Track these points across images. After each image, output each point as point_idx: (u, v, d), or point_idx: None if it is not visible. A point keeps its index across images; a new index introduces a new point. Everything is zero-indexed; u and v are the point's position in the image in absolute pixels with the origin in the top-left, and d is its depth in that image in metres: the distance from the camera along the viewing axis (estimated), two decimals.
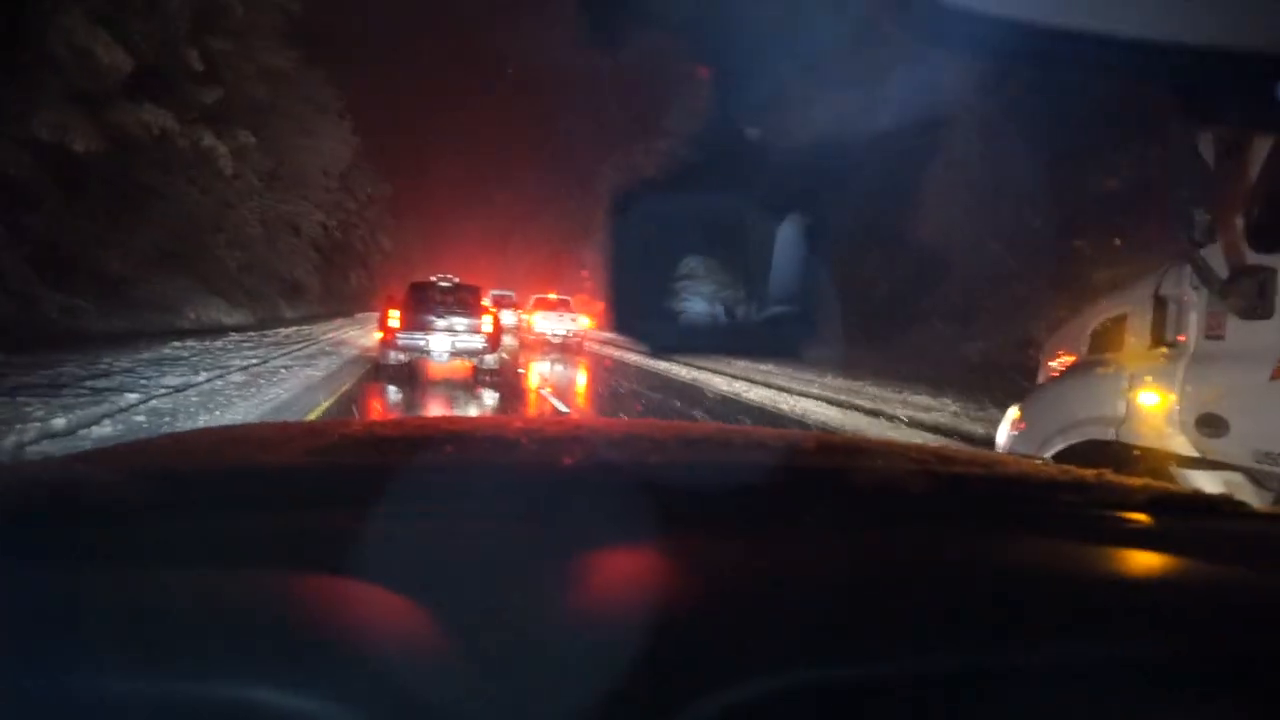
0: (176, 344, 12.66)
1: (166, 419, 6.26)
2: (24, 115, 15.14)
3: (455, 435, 1.33)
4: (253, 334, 17.31)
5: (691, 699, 0.51)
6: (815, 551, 0.75)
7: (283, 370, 9.99)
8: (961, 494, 1.01)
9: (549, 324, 22.00)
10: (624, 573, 0.70)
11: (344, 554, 0.63)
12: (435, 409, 8.83)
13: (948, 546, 0.78)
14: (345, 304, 39.50)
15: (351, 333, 21.32)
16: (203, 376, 8.70)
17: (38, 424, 5.48)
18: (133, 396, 6.96)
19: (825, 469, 1.13)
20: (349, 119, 29.28)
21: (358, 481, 0.90)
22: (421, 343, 10.50)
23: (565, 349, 20.74)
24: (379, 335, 11.09)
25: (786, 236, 0.77)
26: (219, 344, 13.50)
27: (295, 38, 23.81)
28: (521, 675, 0.52)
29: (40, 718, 0.46)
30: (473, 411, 8.64)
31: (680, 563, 0.70)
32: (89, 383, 7.75)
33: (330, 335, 18.41)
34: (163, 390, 7.52)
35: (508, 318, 23.22)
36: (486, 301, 12.07)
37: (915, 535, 0.81)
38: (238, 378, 8.99)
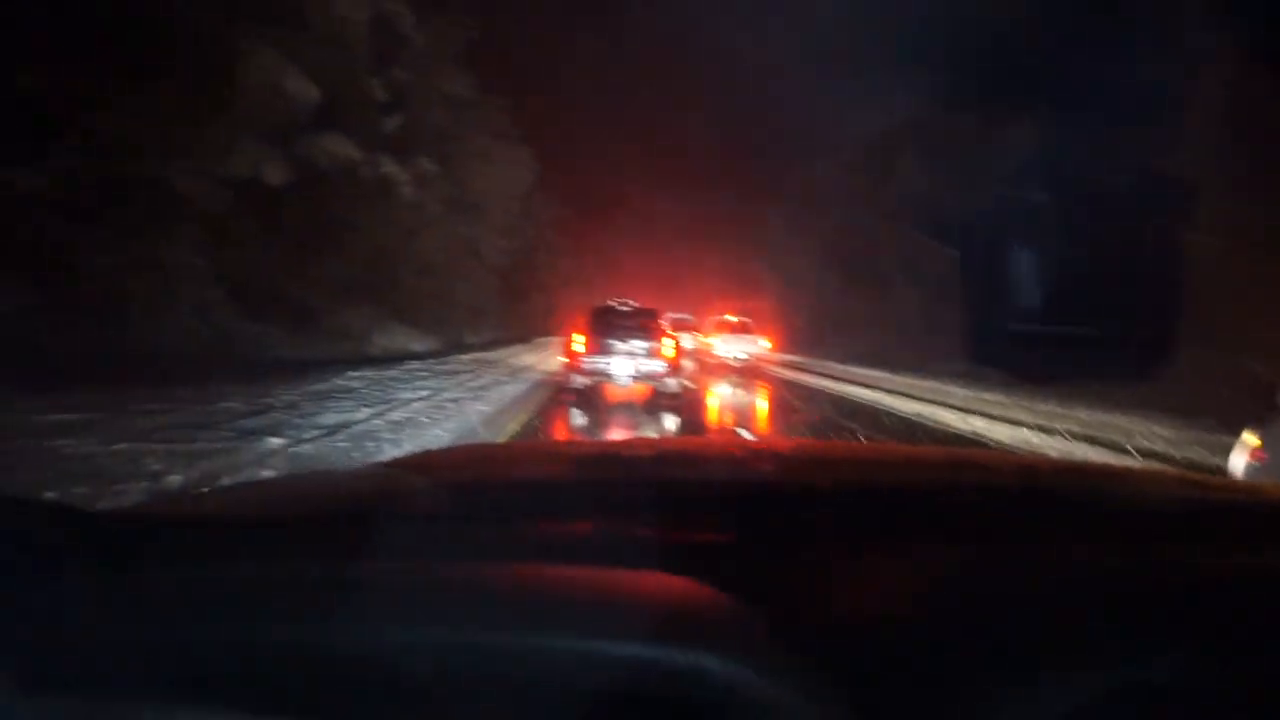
0: (352, 374, 12.11)
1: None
2: (225, 152, 15.47)
3: (684, 455, 1.56)
4: (432, 361, 16.87)
5: (1059, 688, 0.57)
6: (1081, 561, 0.81)
7: (449, 405, 8.98)
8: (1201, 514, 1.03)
9: (729, 347, 21.18)
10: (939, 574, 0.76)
11: (641, 552, 0.73)
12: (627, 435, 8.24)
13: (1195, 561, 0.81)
14: (524, 328, 39.78)
15: (527, 359, 20.68)
16: (363, 414, 7.76)
17: (146, 482, 4.49)
18: (276, 442, 5.99)
19: (1043, 488, 1.22)
20: (529, 144, 29.22)
21: (625, 492, 1.08)
22: (605, 366, 10.50)
23: (746, 373, 19.65)
24: (563, 360, 11.15)
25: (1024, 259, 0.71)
26: (394, 373, 12.90)
27: (475, 64, 23.82)
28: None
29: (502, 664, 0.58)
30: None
31: (986, 568, 0.77)
32: (241, 422, 6.94)
33: (506, 361, 17.70)
34: (314, 432, 6.55)
35: (686, 341, 22.64)
36: (665, 325, 11.90)
37: (1162, 550, 0.85)
38: (398, 415, 7.99)
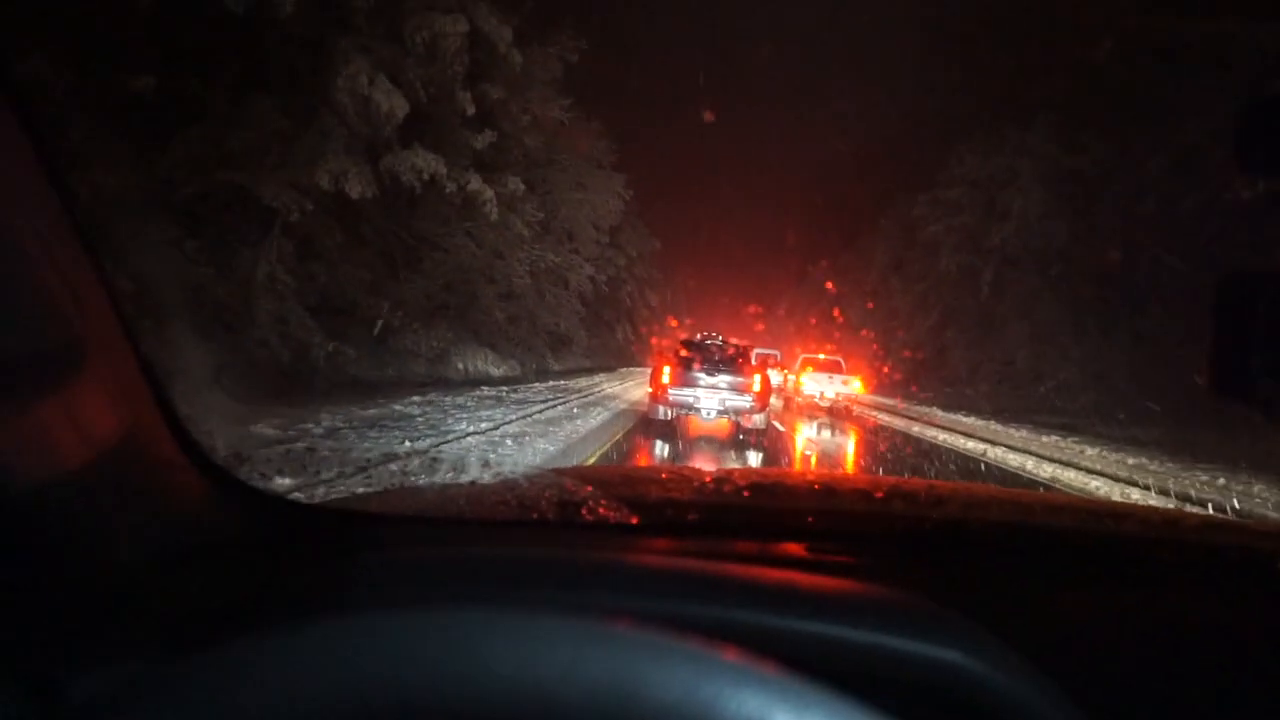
0: (417, 398, 11.17)
1: None
2: (312, 164, 14.99)
3: (808, 487, 1.70)
4: (506, 388, 15.91)
5: None
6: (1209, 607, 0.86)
7: (508, 442, 7.81)
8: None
9: (819, 385, 20.33)
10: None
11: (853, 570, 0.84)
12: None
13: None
14: (611, 358, 38.90)
15: (610, 388, 19.52)
16: (405, 447, 6.65)
17: None
18: (285, 482, 4.90)
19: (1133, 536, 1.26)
20: (622, 173, 28.36)
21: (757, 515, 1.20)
22: (691, 399, 10.45)
23: (835, 414, 18.99)
24: (649, 390, 11.11)
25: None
26: (463, 399, 11.90)
27: (572, 88, 23.15)
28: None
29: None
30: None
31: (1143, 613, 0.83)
32: (276, 447, 5.95)
33: (585, 394, 16.58)
34: (336, 469, 5.46)
35: (774, 377, 22.45)
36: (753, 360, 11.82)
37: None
38: (448, 449, 6.86)
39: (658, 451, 8.96)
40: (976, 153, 31.04)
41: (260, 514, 0.83)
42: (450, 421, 8.88)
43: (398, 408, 9.60)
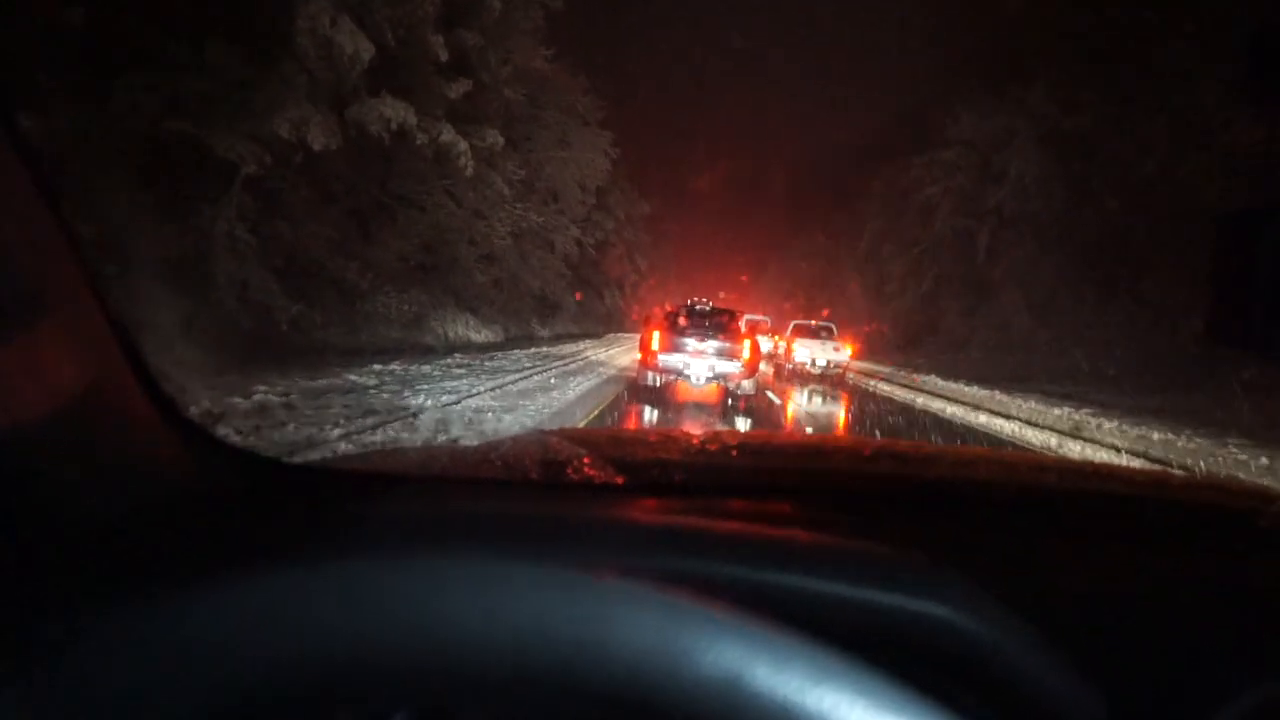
0: (378, 367, 10.11)
1: None
2: (272, 113, 13.72)
3: (824, 448, 1.67)
4: (484, 355, 14.84)
5: (1226, 697, 0.59)
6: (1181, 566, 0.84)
7: (468, 417, 6.78)
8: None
9: (810, 352, 19.47)
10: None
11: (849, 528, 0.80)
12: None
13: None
14: (598, 324, 37.81)
15: (595, 354, 18.46)
16: (335, 433, 5.58)
17: None
18: None
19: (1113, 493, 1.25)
20: (609, 131, 27.01)
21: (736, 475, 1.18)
22: (680, 365, 10.35)
23: (825, 381, 18.58)
24: (638, 356, 10.97)
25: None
26: (430, 368, 10.86)
27: (557, 41, 21.76)
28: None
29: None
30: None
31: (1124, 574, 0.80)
32: None
33: (568, 360, 15.53)
34: None
35: (764, 344, 22.38)
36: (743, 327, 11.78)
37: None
38: (388, 433, 5.81)
39: (646, 420, 8.76)
40: (973, 113, 29.78)
41: (233, 470, 0.79)
42: (407, 394, 7.83)
43: (353, 377, 8.54)
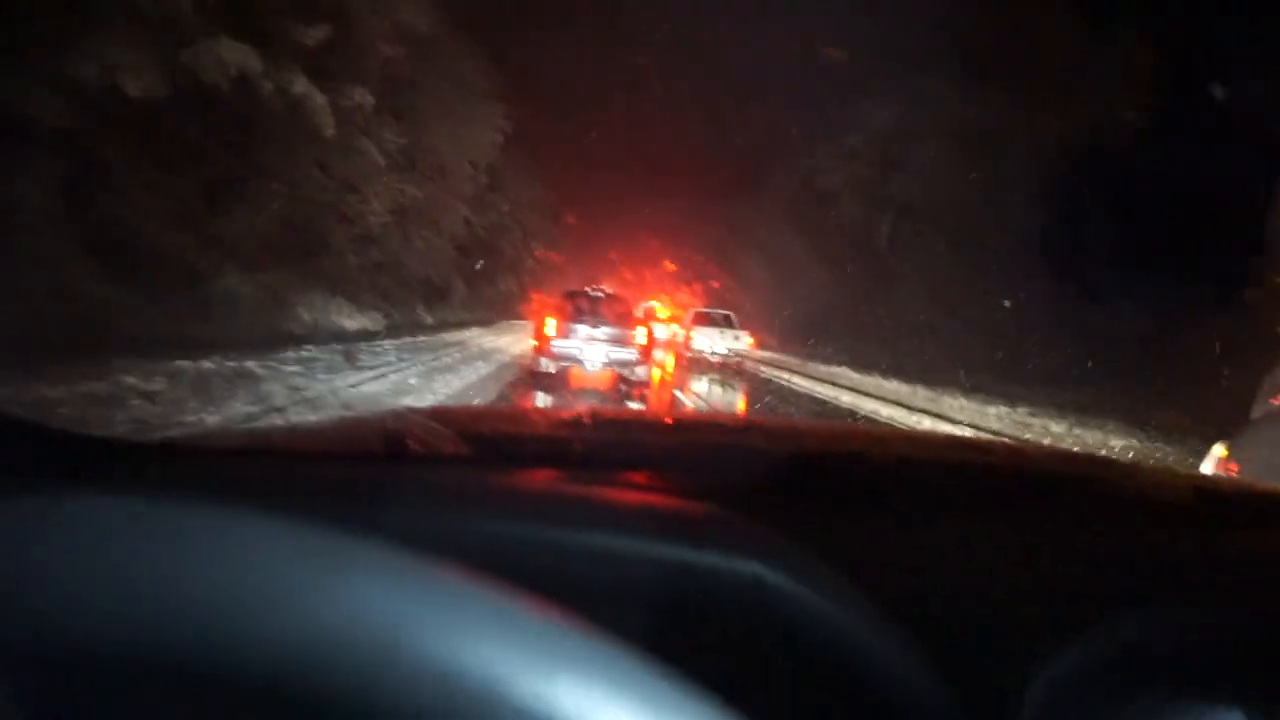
0: (186, 364, 7.90)
1: None
2: (75, 50, 11.08)
3: (685, 422, 1.66)
4: (345, 345, 12.63)
5: (1052, 653, 0.60)
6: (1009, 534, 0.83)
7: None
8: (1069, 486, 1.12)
9: (709, 340, 19.20)
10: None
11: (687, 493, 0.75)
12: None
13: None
14: (492, 311, 35.51)
15: (481, 343, 16.45)
16: None
17: None
18: None
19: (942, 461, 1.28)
20: (502, 104, 24.74)
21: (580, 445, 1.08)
22: (575, 351, 10.29)
23: (725, 369, 18.32)
24: (533, 343, 10.83)
25: None
26: (258, 363, 8.70)
27: (451, 10, 19.40)
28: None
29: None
30: None
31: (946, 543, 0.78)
32: None
33: (443, 351, 13.54)
34: None
35: (662, 332, 22.29)
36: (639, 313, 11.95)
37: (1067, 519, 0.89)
38: None
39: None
40: (876, 100, 29.10)
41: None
42: (195, 402, 5.75)
43: (130, 380, 6.35)
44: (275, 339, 13.33)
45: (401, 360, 10.97)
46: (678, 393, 12.30)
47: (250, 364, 8.32)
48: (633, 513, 0.63)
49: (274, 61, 12.32)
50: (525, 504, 0.64)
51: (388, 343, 14.10)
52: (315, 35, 13.08)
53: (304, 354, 10.37)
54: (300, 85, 12.54)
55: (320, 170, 16.72)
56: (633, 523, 0.61)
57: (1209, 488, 1.25)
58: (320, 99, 12.92)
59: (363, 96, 14.58)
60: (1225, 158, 15.05)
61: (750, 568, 0.57)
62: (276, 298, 16.20)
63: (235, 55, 11.60)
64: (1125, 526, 0.87)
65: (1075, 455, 2.64)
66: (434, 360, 11.80)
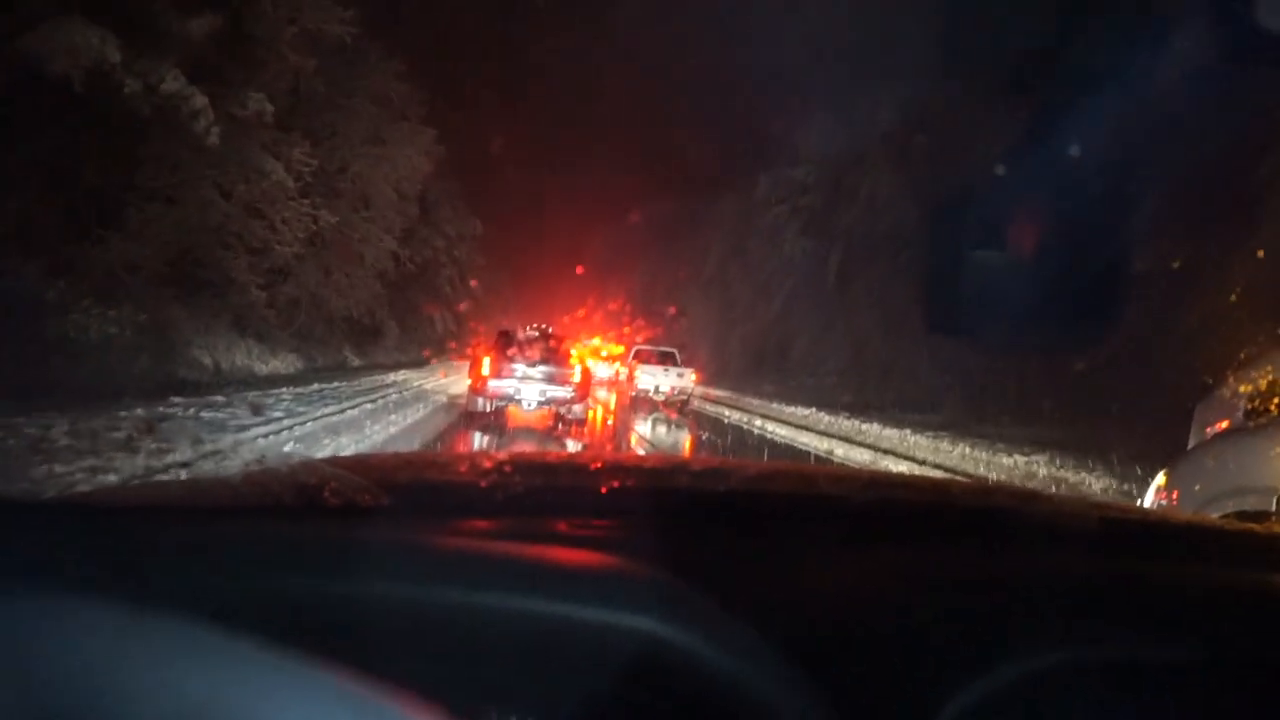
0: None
1: None
2: None
3: (616, 465, 1.49)
4: (231, 395, 10.01)
5: (957, 687, 0.58)
6: (945, 563, 0.83)
7: None
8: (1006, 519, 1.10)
9: (653, 379, 18.54)
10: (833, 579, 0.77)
11: (590, 542, 0.74)
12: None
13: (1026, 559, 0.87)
14: (426, 351, 32.78)
15: (401, 393, 13.92)
16: None
17: None
18: None
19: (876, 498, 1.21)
20: (431, 129, 22.45)
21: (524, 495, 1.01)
22: (511, 390, 10.15)
23: (669, 408, 17.81)
24: (469, 382, 10.63)
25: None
26: (69, 427, 6.12)
27: (365, 9, 17.10)
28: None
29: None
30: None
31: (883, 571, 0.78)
32: None
33: (352, 402, 11.13)
34: None
35: (604, 370, 21.87)
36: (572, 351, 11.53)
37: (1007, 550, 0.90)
38: None
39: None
40: (823, 130, 27.82)
41: None
42: None
43: None
44: (152, 386, 10.60)
45: (296, 414, 8.49)
46: (619, 432, 12.03)
47: (61, 427, 5.73)
48: (532, 569, 0.60)
49: (141, 53, 9.83)
50: (424, 563, 0.60)
51: (287, 391, 11.47)
52: (197, 27, 10.60)
53: (169, 409, 7.74)
54: (174, 83, 10.03)
55: (217, 191, 14.11)
56: (529, 579, 0.59)
57: (1118, 518, 1.17)
58: (200, 100, 10.43)
59: (260, 104, 12.09)
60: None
61: (643, 623, 0.55)
62: (162, 338, 13.43)
63: (87, 41, 9.07)
64: (1034, 558, 0.86)
65: (997, 488, 2.80)
66: (336, 411, 9.34)
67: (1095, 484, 8.27)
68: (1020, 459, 10.04)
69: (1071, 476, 8.88)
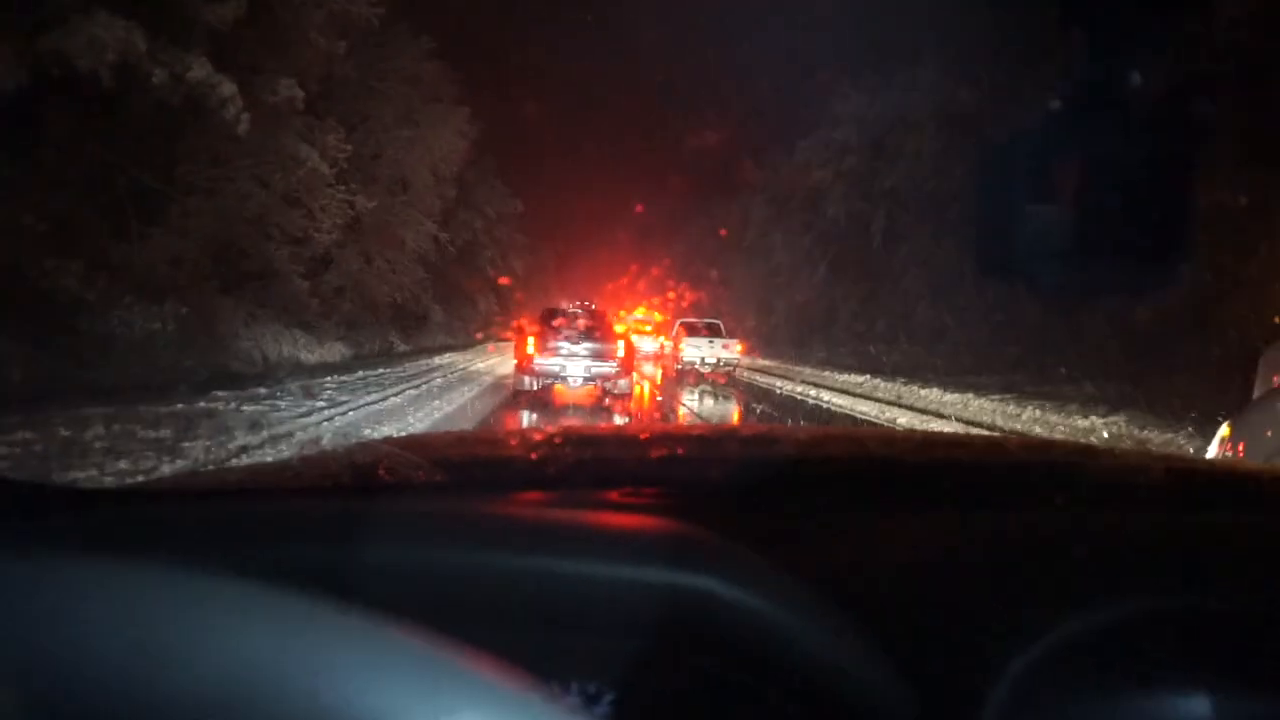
0: None
1: None
2: None
3: (667, 436, 1.52)
4: (270, 389, 9.91)
5: (1025, 643, 0.58)
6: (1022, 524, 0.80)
7: None
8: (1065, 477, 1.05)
9: (698, 351, 18.20)
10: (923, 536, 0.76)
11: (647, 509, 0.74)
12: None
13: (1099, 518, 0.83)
14: (471, 334, 32.78)
15: (441, 378, 13.76)
16: None
17: None
18: None
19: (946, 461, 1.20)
20: (467, 107, 22.09)
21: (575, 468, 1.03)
22: (556, 368, 10.14)
23: (716, 380, 17.41)
24: (515, 362, 10.68)
25: None
26: (96, 429, 5.99)
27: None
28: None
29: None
30: None
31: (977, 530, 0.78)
32: None
33: (394, 387, 10.96)
34: None
35: (648, 344, 21.67)
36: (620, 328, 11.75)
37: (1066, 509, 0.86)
38: None
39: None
40: (863, 89, 26.71)
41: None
42: None
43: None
44: (199, 380, 10.57)
45: (335, 403, 8.32)
46: (666, 405, 12.07)
47: (76, 430, 5.59)
48: (590, 534, 0.61)
49: (167, 42, 9.64)
50: (483, 531, 0.61)
51: (332, 379, 11.36)
52: (222, 14, 10.39)
53: (193, 407, 7.61)
54: (200, 70, 9.84)
55: (255, 182, 14.03)
56: (588, 544, 0.59)
57: (1183, 469, 1.15)
58: (229, 88, 10.24)
59: (290, 90, 11.88)
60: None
61: (703, 582, 0.56)
62: (208, 331, 13.45)
63: (111, 34, 8.90)
64: (1095, 514, 0.83)
65: (1052, 443, 2.69)
66: (379, 399, 9.16)
67: (1188, 446, 7.58)
68: (1098, 420, 9.35)
69: (1157, 438, 8.23)
